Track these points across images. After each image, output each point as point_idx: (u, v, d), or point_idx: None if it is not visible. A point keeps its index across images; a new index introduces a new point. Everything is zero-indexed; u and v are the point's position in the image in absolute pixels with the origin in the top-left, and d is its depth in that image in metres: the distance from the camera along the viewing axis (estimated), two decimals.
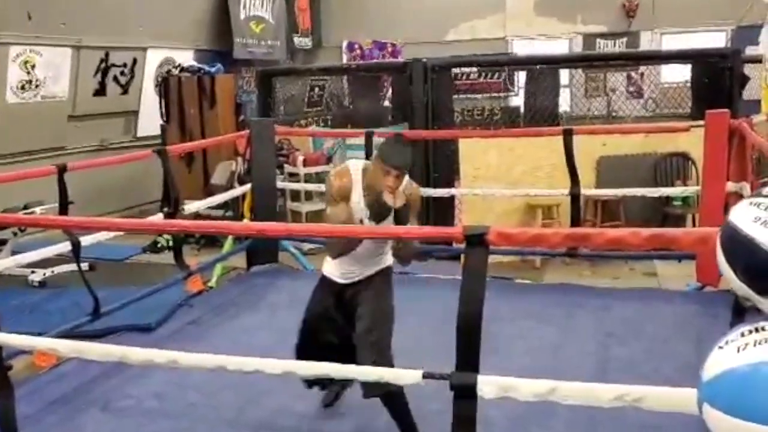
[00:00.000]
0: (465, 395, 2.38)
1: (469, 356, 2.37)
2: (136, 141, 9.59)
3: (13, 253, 6.02)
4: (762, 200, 1.31)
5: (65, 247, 4.60)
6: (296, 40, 12.93)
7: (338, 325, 3.41)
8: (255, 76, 8.81)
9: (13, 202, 6.60)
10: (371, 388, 3.03)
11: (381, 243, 3.28)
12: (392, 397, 3.10)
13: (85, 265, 4.66)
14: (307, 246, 7.10)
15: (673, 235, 2.43)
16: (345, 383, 3.54)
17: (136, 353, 2.90)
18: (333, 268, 3.44)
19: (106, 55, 8.82)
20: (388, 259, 3.41)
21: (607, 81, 9.86)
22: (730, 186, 5.08)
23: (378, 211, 3.13)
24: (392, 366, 3.00)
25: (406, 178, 3.16)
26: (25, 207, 6.64)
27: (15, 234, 6.76)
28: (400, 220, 3.08)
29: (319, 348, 3.29)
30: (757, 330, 1.28)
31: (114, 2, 8.58)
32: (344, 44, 13.35)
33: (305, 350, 3.41)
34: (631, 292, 5.69)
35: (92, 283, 4.57)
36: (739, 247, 1.31)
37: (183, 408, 3.92)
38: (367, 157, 6.30)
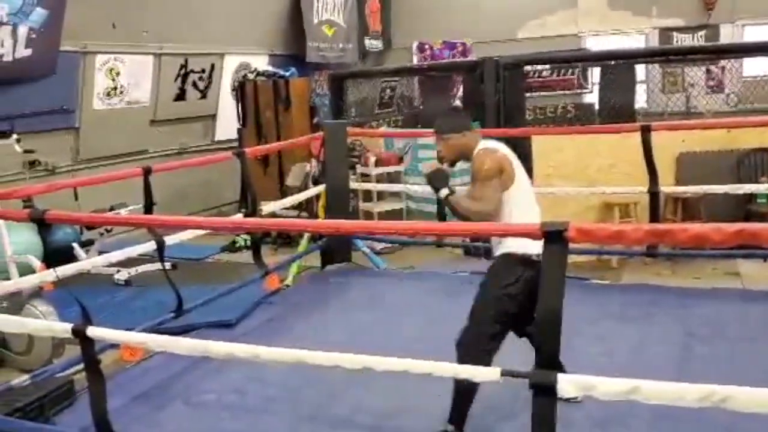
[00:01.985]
0: (544, 394, 2.37)
1: (548, 354, 2.36)
2: (214, 144, 9.86)
3: (100, 253, 6.30)
4: None
5: (149, 246, 4.77)
6: (367, 42, 13.04)
7: None
8: (327, 79, 8.94)
9: (99, 204, 6.90)
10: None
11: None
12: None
13: (167, 265, 4.83)
14: (379, 245, 7.17)
15: (757, 231, 2.35)
16: None
17: (219, 347, 3.00)
18: None
19: (186, 61, 9.11)
20: (510, 245, 3.29)
21: (686, 76, 9.59)
22: None
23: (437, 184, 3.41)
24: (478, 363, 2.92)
25: (483, 145, 3.41)
26: (111, 209, 6.93)
27: (101, 234, 7.07)
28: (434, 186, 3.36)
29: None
30: None
31: (193, 10, 8.85)
32: (414, 45, 13.38)
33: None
34: (713, 291, 5.53)
35: (174, 281, 4.73)
36: None
37: (262, 403, 4.02)
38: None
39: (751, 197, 6.39)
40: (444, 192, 3.34)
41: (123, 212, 6.76)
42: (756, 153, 6.46)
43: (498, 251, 3.38)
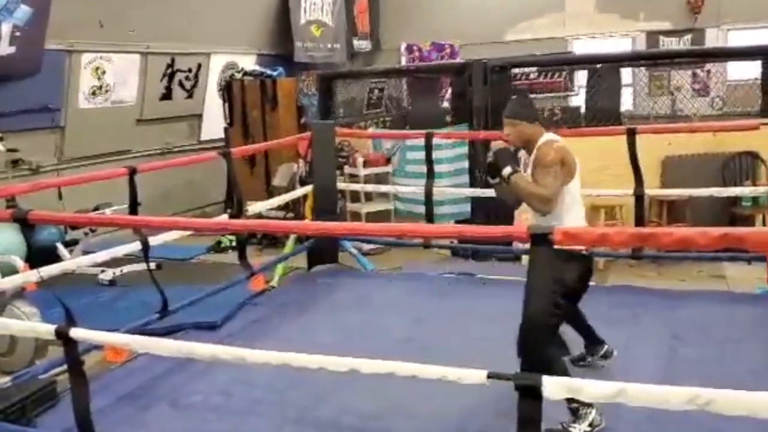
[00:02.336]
0: (530, 396, 2.37)
1: (534, 357, 2.37)
2: (200, 144, 9.82)
3: (84, 252, 6.26)
4: None
5: (134, 246, 4.75)
6: (355, 42, 13.04)
7: None
8: (315, 79, 8.92)
9: (83, 204, 6.85)
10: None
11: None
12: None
13: (152, 265, 4.81)
14: (366, 246, 7.16)
15: (742, 235, 2.36)
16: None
17: (204, 349, 2.99)
18: None
19: (172, 60, 9.07)
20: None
21: (672, 79, 9.64)
22: None
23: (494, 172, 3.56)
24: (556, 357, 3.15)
25: (547, 137, 3.59)
26: (96, 208, 6.88)
27: (86, 234, 7.02)
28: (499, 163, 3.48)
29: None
30: None
31: (180, 9, 8.81)
32: (403, 46, 13.39)
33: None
34: (698, 294, 5.56)
35: (159, 282, 4.70)
36: None
37: (248, 405, 4.00)
38: (428, 157, 6.33)
39: (735, 200, 6.44)
40: (508, 170, 3.46)
41: (108, 212, 6.71)
42: (740, 156, 6.51)
43: None
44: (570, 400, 3.21)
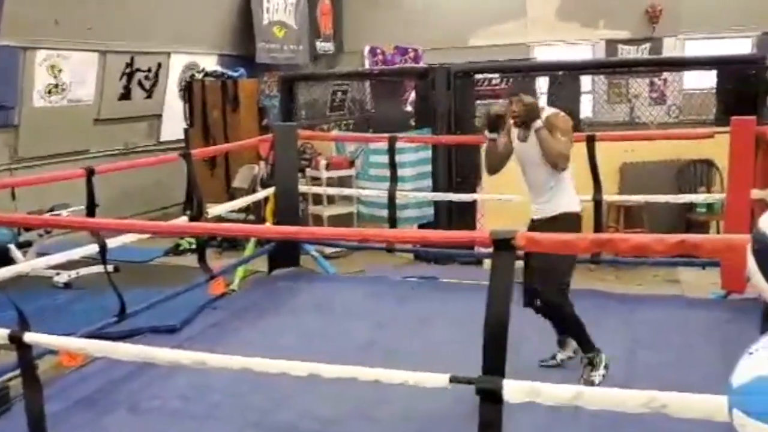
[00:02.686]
0: (491, 400, 2.39)
1: (495, 360, 2.38)
2: (160, 145, 9.70)
3: (38, 255, 6.12)
4: None
5: (91, 249, 4.66)
6: (318, 45, 13.01)
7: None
8: (278, 80, 8.87)
9: (38, 204, 6.70)
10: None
11: (542, 168, 3.91)
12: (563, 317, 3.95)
13: (109, 267, 4.72)
14: (328, 250, 7.14)
15: (698, 242, 2.42)
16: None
17: (164, 354, 2.94)
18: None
19: (132, 59, 8.93)
20: (565, 203, 3.97)
21: (630, 87, 9.82)
22: (756, 193, 5.04)
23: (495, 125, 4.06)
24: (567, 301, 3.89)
25: (551, 110, 3.98)
26: (51, 209, 6.74)
27: (40, 236, 6.87)
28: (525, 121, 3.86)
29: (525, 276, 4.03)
30: None
31: (139, 8, 8.69)
32: (366, 49, 13.39)
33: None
34: (655, 298, 5.66)
35: (116, 284, 4.62)
36: None
37: (208, 409, 3.95)
38: (391, 161, 6.36)
39: (691, 206, 6.57)
40: (538, 123, 3.81)
41: (64, 213, 6.57)
42: (696, 164, 6.65)
43: (555, 211, 3.94)
44: (583, 352, 3.93)
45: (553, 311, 3.98)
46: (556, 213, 3.93)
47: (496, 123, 4.05)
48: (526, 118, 3.88)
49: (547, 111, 3.98)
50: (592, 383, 3.82)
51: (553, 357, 4.30)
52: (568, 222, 3.88)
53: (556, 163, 3.85)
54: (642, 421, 2.67)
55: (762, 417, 1.24)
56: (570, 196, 4.00)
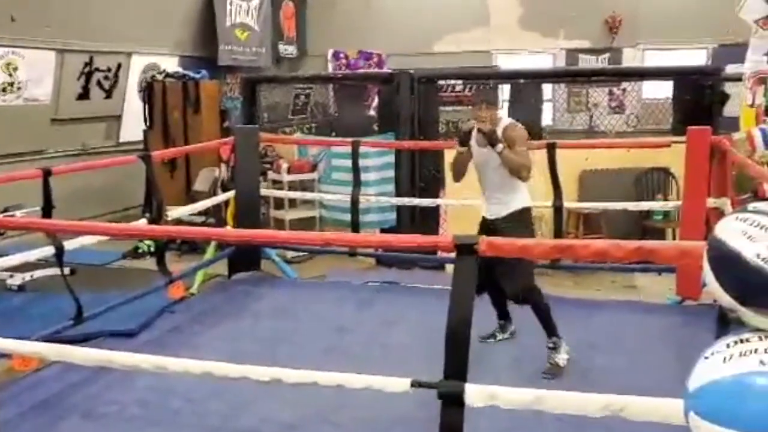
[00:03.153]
0: (453, 404, 2.40)
1: (457, 365, 2.40)
2: (119, 146, 9.54)
3: None
4: (748, 215, 1.35)
5: (47, 251, 4.56)
6: (281, 47, 12.96)
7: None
8: (240, 82, 8.80)
9: None
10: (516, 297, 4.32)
11: (499, 171, 4.18)
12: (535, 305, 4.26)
13: (65, 270, 4.63)
14: (290, 254, 7.10)
15: (655, 248, 2.47)
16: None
17: (122, 358, 2.89)
18: (483, 205, 4.46)
19: (91, 59, 8.78)
20: (519, 201, 4.31)
21: (590, 96, 9.98)
22: (711, 201, 5.16)
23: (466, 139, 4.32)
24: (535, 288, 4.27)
25: (508, 120, 4.29)
26: (5, 210, 6.58)
27: None
28: (490, 141, 4.10)
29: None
30: (741, 341, 1.32)
31: (99, 7, 8.55)
32: (329, 53, 13.38)
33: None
34: (613, 304, 5.75)
35: (73, 288, 4.54)
36: (725, 260, 1.35)
37: (167, 415, 3.90)
38: (354, 165, 6.36)
39: (648, 213, 6.70)
40: (501, 146, 4.09)
41: (18, 214, 6.42)
42: (653, 172, 6.79)
43: (510, 208, 4.27)
44: (548, 336, 4.27)
45: (526, 303, 4.30)
46: (512, 211, 4.28)
47: (467, 137, 4.31)
48: (494, 125, 4.16)
49: (504, 121, 4.25)
50: (557, 365, 4.27)
51: (493, 336, 4.78)
52: (523, 217, 4.30)
53: (521, 176, 4.16)
54: (605, 425, 2.71)
55: (717, 419, 1.27)
56: (523, 193, 4.34)
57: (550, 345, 4.32)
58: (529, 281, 4.27)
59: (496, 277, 4.23)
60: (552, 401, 2.43)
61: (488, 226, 4.28)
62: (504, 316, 4.80)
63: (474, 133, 4.28)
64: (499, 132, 4.17)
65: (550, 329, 4.31)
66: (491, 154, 4.17)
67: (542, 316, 4.30)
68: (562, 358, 4.31)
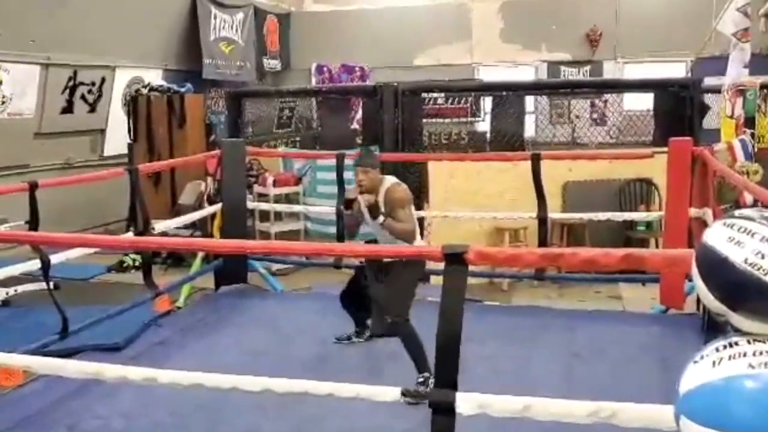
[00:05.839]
0: (443, 412, 2.41)
1: (448, 374, 2.41)
2: (103, 160, 9.51)
3: None
4: (735, 221, 1.39)
5: (33, 265, 4.53)
6: (265, 61, 12.99)
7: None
8: (224, 96, 8.81)
9: None
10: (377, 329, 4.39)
11: (383, 232, 4.33)
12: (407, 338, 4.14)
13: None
14: (275, 266, 7.09)
15: (644, 256, 2.51)
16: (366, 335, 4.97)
17: (111, 370, 2.88)
18: None
19: (75, 73, 8.77)
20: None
21: (572, 108, 10.08)
22: (693, 211, 5.22)
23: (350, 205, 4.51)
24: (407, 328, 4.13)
25: (391, 181, 4.39)
26: None
27: None
28: (372, 213, 4.27)
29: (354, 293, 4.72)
30: (730, 345, 1.35)
31: (84, 21, 8.54)
32: (313, 67, 13.44)
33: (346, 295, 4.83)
34: (597, 314, 5.79)
35: (58, 302, 4.50)
36: (714, 265, 1.38)
37: (151, 428, 3.88)
38: (339, 178, 6.38)
39: (631, 224, 6.77)
40: (381, 218, 4.25)
41: (3, 228, 6.37)
42: (635, 183, 6.86)
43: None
44: (419, 372, 4.08)
45: (396, 334, 4.20)
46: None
47: (350, 203, 4.52)
48: (373, 188, 4.33)
49: (387, 183, 4.38)
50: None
51: (349, 338, 5.08)
52: (415, 264, 4.26)
53: (407, 240, 4.23)
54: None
55: (707, 423, 1.30)
56: (413, 242, 4.31)
57: (420, 380, 4.00)
58: (403, 313, 4.16)
59: (368, 301, 4.43)
60: (541, 409, 2.45)
61: (384, 267, 4.30)
62: (362, 325, 5.02)
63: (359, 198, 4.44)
64: (381, 195, 4.31)
65: (423, 363, 4.03)
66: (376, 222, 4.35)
67: (412, 349, 4.11)
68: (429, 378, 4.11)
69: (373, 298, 4.37)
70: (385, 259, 4.26)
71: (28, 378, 4.37)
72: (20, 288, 6.10)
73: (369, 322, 4.81)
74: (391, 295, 4.21)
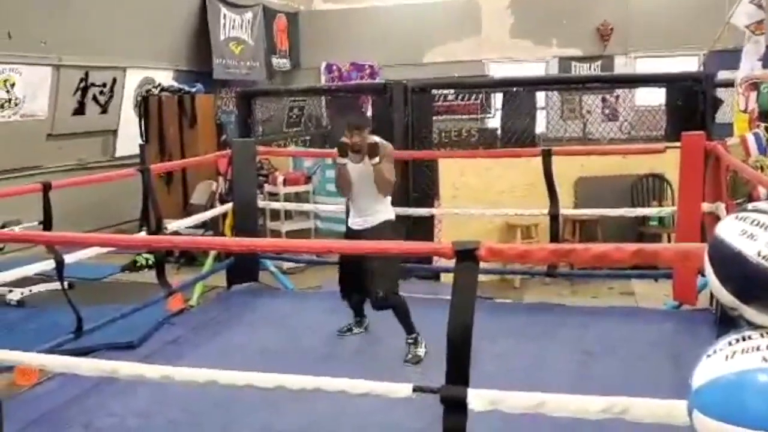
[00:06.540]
0: (455, 408, 2.41)
1: (459, 370, 2.41)
2: (114, 160, 9.55)
3: None
4: (748, 215, 1.38)
5: (47, 265, 4.57)
6: (275, 61, 13.02)
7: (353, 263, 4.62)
8: (236, 96, 8.83)
9: None
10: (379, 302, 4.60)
11: (370, 188, 4.58)
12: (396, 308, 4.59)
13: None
14: (286, 265, 7.11)
15: (656, 251, 2.50)
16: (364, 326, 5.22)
17: (127, 368, 2.90)
18: (350, 217, 4.83)
19: (86, 74, 8.81)
20: (386, 213, 4.70)
21: (583, 103, 10.03)
22: (706, 206, 5.19)
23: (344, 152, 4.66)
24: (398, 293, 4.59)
25: (377, 138, 4.59)
26: (3, 226, 6.57)
27: None
28: (372, 152, 4.48)
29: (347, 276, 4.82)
30: (743, 339, 1.34)
31: (95, 22, 8.58)
32: (323, 65, 13.45)
33: (341, 280, 4.93)
34: (609, 310, 5.77)
35: (72, 302, 4.54)
36: (727, 259, 1.37)
37: (166, 426, 3.90)
38: None
39: (643, 219, 6.74)
40: (377, 159, 4.46)
41: (17, 230, 6.41)
42: (648, 178, 6.83)
43: (378, 221, 4.65)
44: (407, 333, 4.61)
45: (388, 306, 4.61)
46: (379, 222, 4.65)
47: (344, 150, 4.63)
48: (367, 151, 4.52)
49: (377, 140, 4.59)
50: (417, 355, 4.60)
51: (350, 328, 5.20)
52: (390, 227, 4.67)
53: (386, 191, 4.61)
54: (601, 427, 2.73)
55: (720, 417, 1.29)
56: (388, 206, 4.73)
57: (410, 341, 4.64)
58: (393, 286, 4.59)
59: (362, 279, 4.58)
60: (554, 405, 2.44)
61: (354, 236, 4.64)
62: (360, 314, 5.19)
63: (350, 151, 4.62)
64: (378, 158, 4.51)
65: (409, 327, 4.63)
66: (365, 172, 4.55)
67: (402, 317, 4.61)
68: (421, 350, 4.63)
69: (364, 274, 4.53)
70: (366, 231, 4.55)
71: (43, 377, 4.43)
72: (35, 288, 6.17)
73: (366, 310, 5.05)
74: (380, 268, 4.42)
